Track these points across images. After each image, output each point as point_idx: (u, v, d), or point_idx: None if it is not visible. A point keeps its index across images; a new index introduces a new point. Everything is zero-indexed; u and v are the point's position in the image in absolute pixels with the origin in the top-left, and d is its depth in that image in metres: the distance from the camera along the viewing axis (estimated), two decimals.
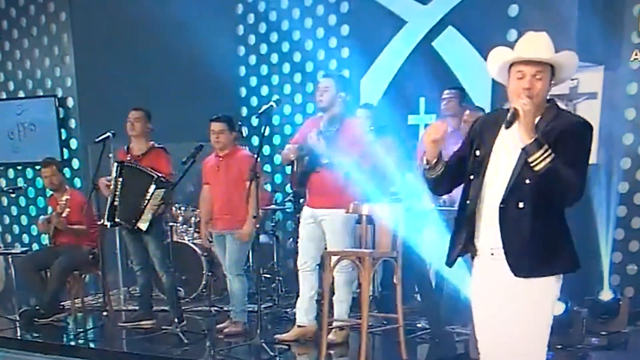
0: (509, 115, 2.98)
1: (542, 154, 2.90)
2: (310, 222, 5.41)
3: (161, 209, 5.86)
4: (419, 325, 5.78)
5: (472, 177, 3.14)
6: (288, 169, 5.76)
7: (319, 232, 5.39)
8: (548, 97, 3.09)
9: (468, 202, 3.14)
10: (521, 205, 2.99)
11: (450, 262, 3.26)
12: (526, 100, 2.93)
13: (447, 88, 6.38)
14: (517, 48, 3.06)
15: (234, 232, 5.71)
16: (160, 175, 5.84)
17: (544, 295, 3.08)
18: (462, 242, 3.18)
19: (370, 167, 5.62)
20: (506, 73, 3.08)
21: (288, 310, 6.33)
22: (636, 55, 6.37)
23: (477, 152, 3.13)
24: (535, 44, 3.02)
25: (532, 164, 2.92)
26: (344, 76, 5.92)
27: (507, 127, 2.99)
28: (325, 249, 5.35)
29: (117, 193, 5.97)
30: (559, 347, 4.98)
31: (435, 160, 3.17)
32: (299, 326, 5.49)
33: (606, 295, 5.85)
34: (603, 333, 5.60)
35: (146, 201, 5.82)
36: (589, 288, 5.85)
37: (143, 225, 5.86)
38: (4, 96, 8.65)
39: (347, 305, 5.38)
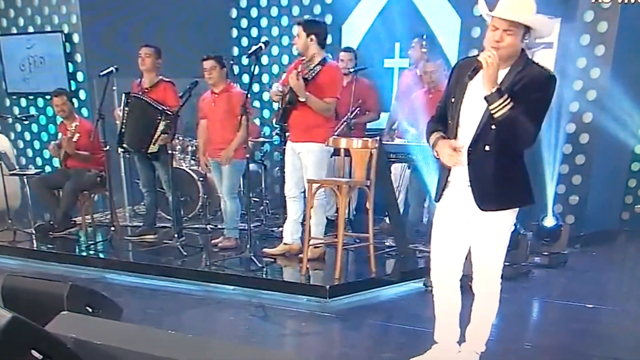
0: (471, 68, 2.99)
1: (502, 103, 2.92)
2: (292, 154, 5.44)
3: (165, 138, 5.83)
4: (386, 243, 5.95)
5: (449, 121, 3.15)
6: (276, 106, 5.70)
7: (299, 164, 5.41)
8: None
9: None
10: (487, 148, 3.04)
11: (438, 199, 3.27)
12: (491, 52, 2.93)
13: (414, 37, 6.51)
14: (498, 3, 3.02)
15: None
16: (164, 107, 5.85)
17: (504, 224, 3.17)
18: (446, 180, 3.20)
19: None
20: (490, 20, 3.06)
21: (274, 229, 6.45)
22: None
23: (453, 99, 3.14)
24: (512, 4, 2.97)
25: (492, 112, 2.96)
26: (311, 20, 5.57)
27: (468, 80, 3.02)
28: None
29: (124, 121, 6.00)
30: (507, 264, 4.73)
31: None
32: (285, 244, 5.62)
33: (549, 221, 5.99)
34: (545, 253, 5.84)
35: (152, 130, 5.84)
36: (534, 215, 5.95)
37: (152, 149, 5.91)
38: (15, 31, 8.53)
39: (322, 227, 5.45)
